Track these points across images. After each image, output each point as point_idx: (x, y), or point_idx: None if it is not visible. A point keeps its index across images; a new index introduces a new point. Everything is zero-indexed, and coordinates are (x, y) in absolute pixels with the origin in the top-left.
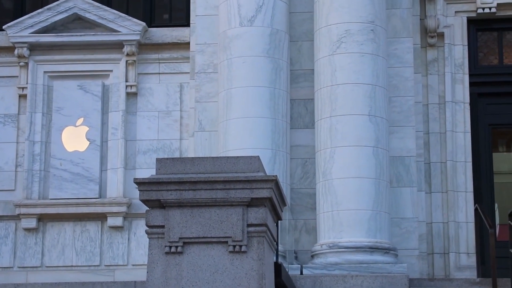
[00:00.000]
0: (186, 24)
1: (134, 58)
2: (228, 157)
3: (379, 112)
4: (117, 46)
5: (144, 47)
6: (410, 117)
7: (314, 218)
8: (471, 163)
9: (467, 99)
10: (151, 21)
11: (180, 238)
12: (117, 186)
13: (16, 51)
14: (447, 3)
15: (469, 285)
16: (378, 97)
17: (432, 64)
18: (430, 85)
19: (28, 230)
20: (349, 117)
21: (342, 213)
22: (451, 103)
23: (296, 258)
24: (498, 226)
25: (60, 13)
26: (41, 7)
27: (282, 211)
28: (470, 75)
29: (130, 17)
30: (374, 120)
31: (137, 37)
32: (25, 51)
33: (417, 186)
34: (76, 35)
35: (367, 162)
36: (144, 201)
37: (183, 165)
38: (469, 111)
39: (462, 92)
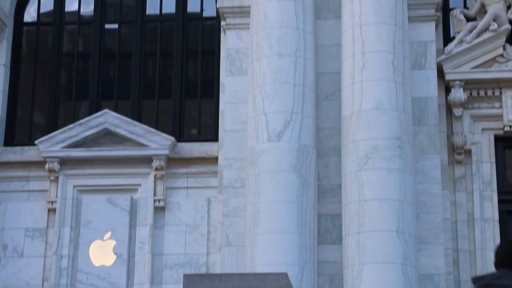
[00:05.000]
0: (215, 138)
1: (163, 172)
2: (255, 273)
3: (407, 228)
4: (146, 160)
5: (173, 161)
6: (438, 234)
7: None
8: None
9: (496, 216)
10: (180, 136)
11: None
12: None
13: (47, 166)
14: (474, 121)
15: None
16: (406, 214)
17: (460, 181)
18: (459, 202)
19: None
20: (376, 233)
21: None
22: (480, 220)
23: None
24: None
25: (91, 128)
26: (73, 122)
27: None
28: (499, 193)
29: (160, 132)
30: (402, 237)
31: (166, 152)
32: (55, 166)
33: None
34: (106, 150)
35: (395, 279)
36: None
37: (211, 281)
38: (498, 229)
39: (491, 209)
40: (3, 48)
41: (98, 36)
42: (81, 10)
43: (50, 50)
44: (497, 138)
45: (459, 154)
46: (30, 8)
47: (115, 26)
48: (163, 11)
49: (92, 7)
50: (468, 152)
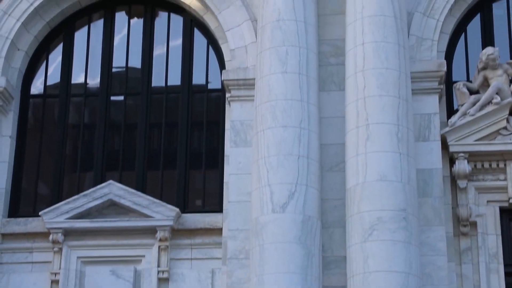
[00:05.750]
0: (219, 209)
1: (167, 244)
2: None
3: None
4: (150, 231)
5: (177, 232)
6: None
7: None
8: None
9: None
10: (185, 207)
11: None
12: None
13: (51, 237)
14: (478, 193)
15: None
16: (411, 286)
17: (466, 253)
18: (465, 275)
19: None
20: None
21: None
22: None
23: None
24: None
25: (95, 199)
26: (77, 193)
27: None
28: (505, 265)
29: (164, 203)
30: None
31: (170, 223)
32: (59, 237)
33: None
34: (110, 221)
35: None
36: None
37: None
38: None
39: (498, 282)
40: (9, 120)
41: (104, 108)
42: (88, 82)
43: (56, 122)
44: (503, 210)
45: (465, 226)
46: (37, 81)
47: (121, 98)
48: (169, 83)
49: (98, 79)
50: (474, 224)
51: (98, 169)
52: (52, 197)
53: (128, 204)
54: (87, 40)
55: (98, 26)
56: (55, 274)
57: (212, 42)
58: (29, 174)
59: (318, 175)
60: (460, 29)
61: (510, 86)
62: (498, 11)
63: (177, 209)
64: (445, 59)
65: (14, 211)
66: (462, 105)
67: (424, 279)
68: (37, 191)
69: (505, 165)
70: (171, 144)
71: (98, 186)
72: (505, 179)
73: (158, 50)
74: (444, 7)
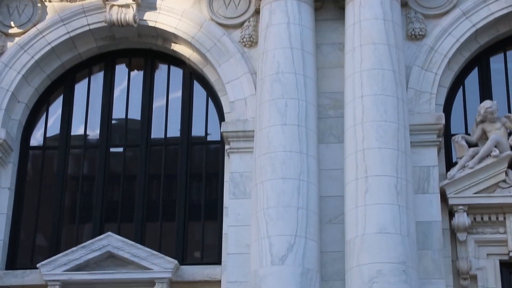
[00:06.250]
0: (218, 262)
1: None
2: None
3: None
4: (149, 283)
5: (176, 284)
6: None
7: None
8: None
9: None
10: (183, 259)
11: None
12: None
13: None
14: (478, 246)
15: None
16: None
17: None
18: None
19: None
20: None
21: None
22: None
23: None
24: None
25: (94, 251)
26: (76, 245)
27: None
28: None
29: (163, 255)
30: None
31: (169, 275)
32: None
33: None
34: (109, 273)
35: None
36: None
37: None
38: None
39: None
40: (8, 171)
41: (103, 160)
42: (87, 134)
43: (55, 173)
44: (503, 264)
45: (465, 279)
46: (37, 133)
47: (120, 149)
48: (168, 135)
49: (98, 131)
50: (474, 278)
51: (97, 221)
52: (50, 249)
53: (127, 256)
54: (87, 92)
55: (98, 78)
56: None
57: (212, 94)
58: (27, 226)
59: (317, 227)
60: (458, 82)
61: (508, 139)
62: (496, 65)
63: (176, 261)
64: (443, 112)
65: (11, 263)
66: (461, 157)
67: None
68: (35, 243)
69: (504, 218)
70: (170, 195)
71: (97, 238)
72: (505, 232)
73: (158, 102)
74: (442, 61)
